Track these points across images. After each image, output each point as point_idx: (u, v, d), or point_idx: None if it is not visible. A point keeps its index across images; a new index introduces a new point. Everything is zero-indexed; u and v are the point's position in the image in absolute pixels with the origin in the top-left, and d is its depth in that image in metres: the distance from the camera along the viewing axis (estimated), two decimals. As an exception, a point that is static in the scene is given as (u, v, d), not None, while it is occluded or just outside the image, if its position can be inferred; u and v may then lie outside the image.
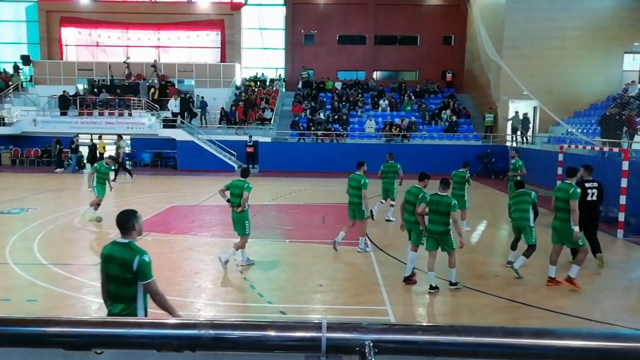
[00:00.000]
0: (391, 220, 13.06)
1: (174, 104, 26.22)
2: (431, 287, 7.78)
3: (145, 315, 4.20)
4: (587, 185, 8.99)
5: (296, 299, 7.66)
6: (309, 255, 9.93)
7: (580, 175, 9.16)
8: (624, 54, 24.92)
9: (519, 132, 24.69)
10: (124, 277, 4.02)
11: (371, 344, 1.30)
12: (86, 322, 1.47)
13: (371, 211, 10.76)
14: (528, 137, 24.57)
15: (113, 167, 15.35)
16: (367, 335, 1.32)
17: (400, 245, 10.71)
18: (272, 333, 1.38)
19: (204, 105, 27.09)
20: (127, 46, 32.79)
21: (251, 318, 6.88)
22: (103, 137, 25.15)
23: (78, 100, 27.47)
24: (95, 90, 28.72)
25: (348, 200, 10.09)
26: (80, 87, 30.02)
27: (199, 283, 8.21)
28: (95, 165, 12.99)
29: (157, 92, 27.09)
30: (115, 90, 28.42)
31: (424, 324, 1.37)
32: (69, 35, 33.26)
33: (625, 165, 11.48)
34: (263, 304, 7.33)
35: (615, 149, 13.45)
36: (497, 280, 8.68)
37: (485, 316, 6.97)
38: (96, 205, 12.59)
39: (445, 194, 7.77)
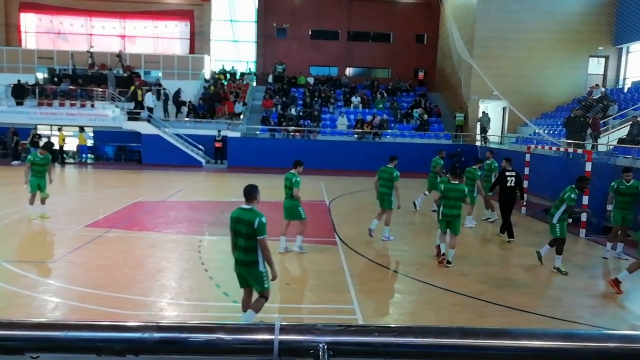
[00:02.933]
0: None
1: (151, 99, 25.45)
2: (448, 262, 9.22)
3: (263, 262, 5.67)
4: (507, 174, 11.19)
5: (263, 297, 7.55)
6: (278, 253, 9.81)
7: (503, 165, 11.59)
8: (589, 57, 25.72)
9: (488, 132, 25.20)
10: (248, 232, 5.55)
11: (325, 347, 1.24)
12: (19, 325, 1.34)
13: (414, 202, 12.73)
14: (488, 137, 25.11)
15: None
16: (322, 337, 1.25)
17: (370, 244, 10.74)
18: (222, 336, 1.29)
19: (167, 97, 26.49)
20: (91, 35, 31.77)
21: (215, 318, 6.75)
22: (64, 128, 24.32)
23: (37, 90, 26.24)
24: (56, 79, 27.63)
25: (379, 191, 10.76)
26: (40, 76, 28.80)
27: (162, 281, 7.99)
28: (29, 157, 11.80)
29: (140, 93, 25.80)
30: (77, 80, 27.39)
31: (381, 325, 1.31)
32: (29, 21, 32.00)
33: (588, 167, 11.81)
34: (228, 303, 7.17)
35: (580, 150, 13.85)
36: (464, 279, 8.79)
37: (451, 314, 7.03)
38: (32, 200, 11.61)
39: (455, 182, 9.13)
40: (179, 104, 26.62)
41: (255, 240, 5.55)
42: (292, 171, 9.72)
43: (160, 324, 1.32)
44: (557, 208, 9.01)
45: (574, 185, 9.00)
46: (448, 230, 9.27)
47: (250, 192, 5.75)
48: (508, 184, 11.16)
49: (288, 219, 9.85)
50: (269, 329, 1.28)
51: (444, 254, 9.37)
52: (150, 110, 25.24)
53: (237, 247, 5.72)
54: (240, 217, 5.66)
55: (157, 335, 1.27)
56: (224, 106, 26.91)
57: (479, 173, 12.50)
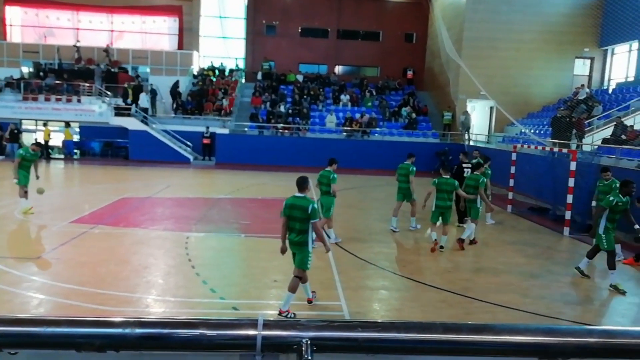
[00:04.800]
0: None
1: (145, 99, 25.06)
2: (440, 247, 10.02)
3: (313, 242, 6.60)
4: (464, 165, 12.37)
5: (250, 295, 7.53)
6: (265, 250, 9.79)
7: (460, 158, 12.89)
8: (575, 58, 26.02)
9: (470, 131, 25.44)
10: (303, 217, 6.36)
11: (309, 342, 1.24)
12: (-4, 320, 1.32)
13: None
14: (470, 135, 25.32)
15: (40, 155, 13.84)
16: (305, 332, 1.25)
17: (357, 241, 10.77)
18: (205, 331, 1.28)
19: (154, 93, 26.24)
20: (78, 29, 31.28)
21: (201, 315, 6.72)
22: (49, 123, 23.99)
23: (22, 84, 25.82)
24: (42, 74, 27.20)
25: (398, 186, 11.62)
26: (25, 70, 28.36)
27: (148, 278, 7.92)
28: (21, 151, 11.81)
29: (131, 92, 25.43)
30: (63, 74, 26.97)
31: (364, 321, 1.32)
32: (14, 14, 31.41)
33: (572, 166, 11.95)
34: (215, 300, 7.14)
35: (565, 150, 14.01)
36: (450, 276, 8.86)
37: (437, 311, 7.08)
38: (24, 193, 11.53)
39: (447, 176, 10.09)
40: (175, 94, 26.46)
41: (308, 223, 6.37)
42: (328, 168, 10.21)
43: (142, 320, 1.30)
44: (600, 216, 8.19)
45: (617, 191, 8.22)
46: (440, 220, 10.10)
47: (303, 183, 6.60)
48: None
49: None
50: (252, 324, 1.28)
51: (435, 240, 10.09)
52: (145, 110, 24.93)
53: (292, 230, 6.50)
54: (295, 203, 6.45)
55: (138, 330, 1.26)
56: (214, 103, 26.74)
57: (484, 180, 10.82)
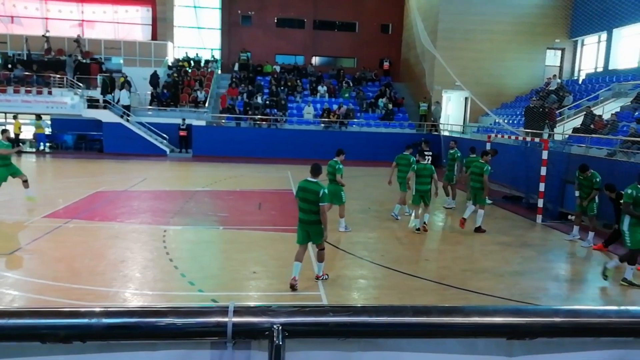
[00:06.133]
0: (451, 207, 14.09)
1: (126, 96, 24.34)
2: (417, 229, 10.88)
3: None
4: (425, 153, 12.40)
5: (228, 287, 7.51)
6: (244, 242, 9.77)
7: (422, 146, 13.35)
8: (547, 49, 26.48)
9: (440, 121, 25.91)
10: (314, 199, 7.03)
11: (280, 328, 1.23)
12: (-47, 314, 1.28)
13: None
14: (441, 125, 25.73)
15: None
16: (276, 318, 1.25)
17: (336, 232, 10.81)
18: (173, 320, 1.27)
19: (129, 84, 25.67)
20: (47, 18, 30.34)
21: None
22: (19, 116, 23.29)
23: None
24: (10, 65, 26.38)
25: (397, 176, 12.19)
26: (-8, 61, 27.49)
27: (125, 272, 7.81)
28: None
29: (108, 86, 24.83)
30: (32, 65, 26.15)
31: (335, 305, 1.32)
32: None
33: (544, 155, 12.20)
34: (193, 293, 7.10)
35: (537, 139, 14.28)
36: (427, 265, 8.99)
37: (414, 298, 7.18)
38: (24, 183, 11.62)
39: (424, 162, 11.03)
40: (156, 85, 26.07)
41: (318, 205, 7.03)
42: (335, 159, 10.61)
43: (108, 309, 1.28)
44: (628, 213, 7.73)
45: (637, 182, 7.80)
46: (422, 202, 10.90)
47: (318, 169, 7.29)
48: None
49: (330, 203, 10.89)
50: (223, 311, 1.26)
51: (425, 224, 10.94)
52: (127, 108, 24.35)
53: (303, 210, 7.19)
54: (307, 187, 7.14)
55: (105, 320, 1.24)
56: (189, 94, 26.35)
57: (488, 168, 11.00)
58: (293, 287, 7.17)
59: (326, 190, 7.13)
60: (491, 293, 7.39)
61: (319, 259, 7.57)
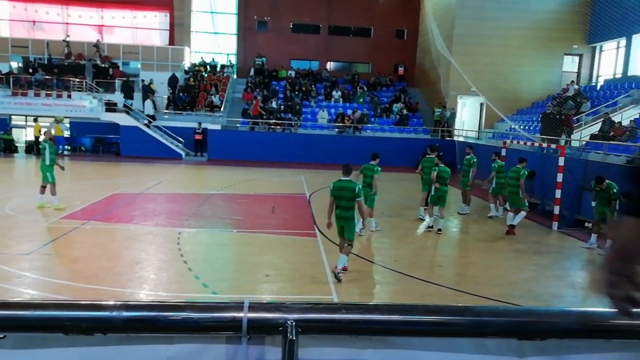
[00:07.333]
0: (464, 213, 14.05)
1: (150, 106, 24.72)
2: (430, 227, 11.51)
3: (357, 218, 8.20)
4: (427, 157, 12.83)
5: (241, 289, 7.56)
6: (257, 245, 9.83)
7: (427, 151, 13.46)
8: (564, 55, 26.19)
9: (447, 126, 25.95)
10: (350, 196, 7.61)
11: (293, 324, 1.26)
12: (-18, 304, 1.33)
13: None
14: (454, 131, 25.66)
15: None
16: (290, 314, 1.28)
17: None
18: (191, 314, 1.31)
19: (151, 91, 26.08)
20: (67, 24, 30.95)
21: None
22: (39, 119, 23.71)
23: (11, 79, 25.47)
24: (31, 69, 26.91)
25: (424, 177, 12.61)
26: (14, 65, 28.01)
27: (140, 273, 7.92)
28: (43, 144, 12.46)
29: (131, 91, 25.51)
30: (52, 69, 26.69)
31: (348, 303, 1.35)
32: (2, 8, 31.00)
33: (561, 161, 12.06)
34: (207, 295, 7.15)
35: (553, 146, 14.12)
36: (440, 271, 8.94)
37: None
38: (42, 189, 12.14)
39: (442, 165, 11.65)
40: (174, 86, 26.50)
41: (354, 201, 7.60)
42: (372, 162, 11.00)
43: (128, 303, 1.32)
44: None
45: None
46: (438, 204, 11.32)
47: (350, 168, 7.85)
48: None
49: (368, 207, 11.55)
50: (238, 307, 1.30)
51: (440, 230, 11.29)
52: (152, 117, 24.70)
53: (340, 207, 7.76)
54: (343, 186, 7.72)
55: (125, 313, 1.28)
56: (205, 99, 26.62)
57: (525, 172, 11.60)
58: (336, 277, 7.75)
59: (360, 187, 7.73)
60: (505, 300, 7.32)
61: (344, 252, 7.90)
